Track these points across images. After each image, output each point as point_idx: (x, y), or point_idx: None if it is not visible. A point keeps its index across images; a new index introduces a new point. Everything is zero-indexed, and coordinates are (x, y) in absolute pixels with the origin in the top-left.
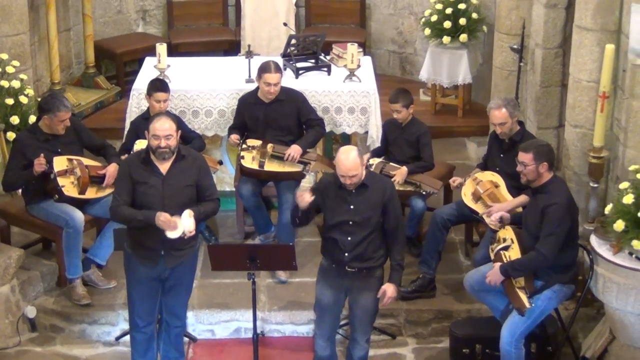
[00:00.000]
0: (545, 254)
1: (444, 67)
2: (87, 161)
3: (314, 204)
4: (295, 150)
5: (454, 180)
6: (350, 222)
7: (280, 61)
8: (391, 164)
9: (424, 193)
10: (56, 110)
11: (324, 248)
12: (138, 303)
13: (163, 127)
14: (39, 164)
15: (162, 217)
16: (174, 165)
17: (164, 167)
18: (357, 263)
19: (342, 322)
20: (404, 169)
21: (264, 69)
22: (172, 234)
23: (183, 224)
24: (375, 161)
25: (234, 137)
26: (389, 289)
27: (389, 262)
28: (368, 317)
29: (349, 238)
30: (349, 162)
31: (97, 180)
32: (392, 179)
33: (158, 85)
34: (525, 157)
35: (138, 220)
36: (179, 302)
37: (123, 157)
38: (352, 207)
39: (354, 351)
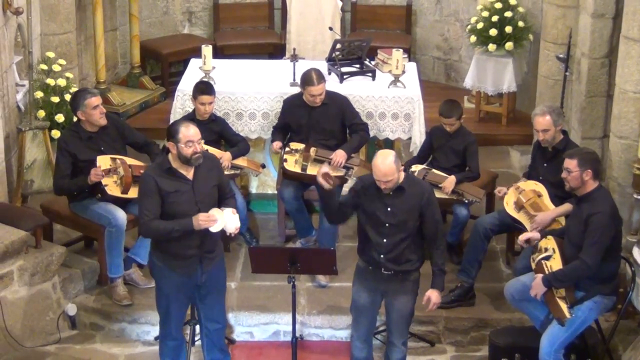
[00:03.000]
0: (588, 263)
1: (489, 74)
2: (130, 160)
3: (352, 203)
4: (340, 155)
5: (499, 191)
6: (387, 224)
7: (324, 65)
8: (434, 171)
9: (466, 201)
10: (83, 100)
11: (360, 248)
12: (174, 313)
13: (196, 132)
14: (96, 175)
15: (201, 217)
16: (197, 169)
17: (188, 173)
18: (393, 265)
19: (380, 328)
20: (453, 178)
21: (306, 81)
22: (215, 228)
23: (226, 220)
24: (417, 167)
25: (277, 145)
26: (433, 295)
27: (429, 267)
28: (404, 320)
29: (385, 240)
30: (385, 166)
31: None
32: (441, 188)
33: (203, 88)
34: (570, 164)
35: (176, 231)
36: (217, 305)
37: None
38: (389, 209)
39: (392, 355)
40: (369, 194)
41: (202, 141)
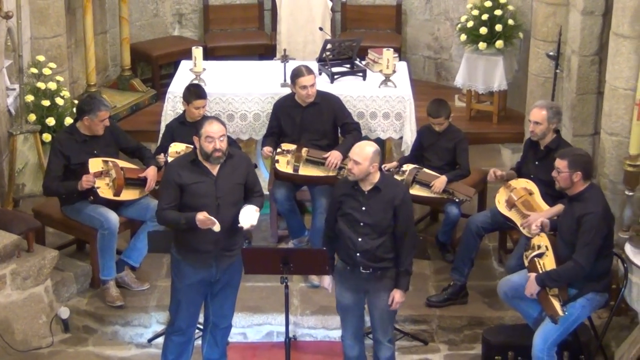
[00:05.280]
0: (582, 265)
1: (479, 73)
2: (122, 163)
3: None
4: (335, 156)
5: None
6: (362, 223)
7: (315, 66)
8: (425, 170)
9: (457, 200)
10: (97, 111)
11: (338, 246)
12: (185, 307)
13: (219, 129)
14: (87, 182)
15: (199, 216)
16: (223, 165)
17: (214, 168)
18: (369, 263)
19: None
20: (444, 178)
21: (296, 74)
22: (216, 228)
23: (245, 217)
24: (408, 167)
25: (267, 149)
26: (396, 295)
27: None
28: (386, 316)
29: (360, 239)
30: (358, 148)
31: (132, 182)
32: (431, 188)
33: (196, 92)
34: (560, 164)
35: (183, 223)
36: (228, 302)
37: (159, 157)
38: (363, 208)
39: (380, 353)
40: (346, 193)
41: (225, 139)
